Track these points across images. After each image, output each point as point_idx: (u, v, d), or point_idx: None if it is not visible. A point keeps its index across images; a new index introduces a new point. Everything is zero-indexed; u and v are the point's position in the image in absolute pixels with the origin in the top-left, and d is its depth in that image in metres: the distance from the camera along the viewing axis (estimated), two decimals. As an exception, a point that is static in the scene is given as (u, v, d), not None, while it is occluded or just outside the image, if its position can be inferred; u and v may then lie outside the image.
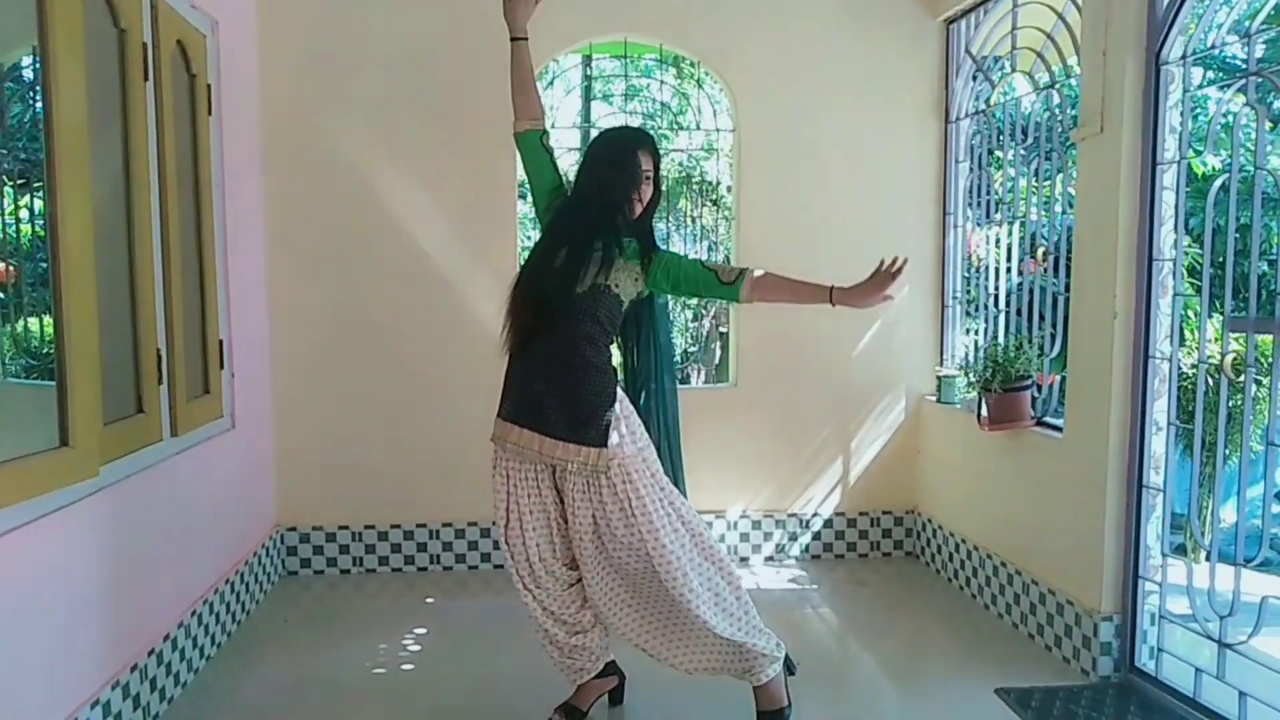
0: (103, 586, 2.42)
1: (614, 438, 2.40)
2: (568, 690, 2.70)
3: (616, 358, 2.59)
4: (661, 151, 2.59)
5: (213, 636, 3.13)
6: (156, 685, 2.67)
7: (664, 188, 2.64)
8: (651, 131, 2.79)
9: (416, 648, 3.24)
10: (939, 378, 4.04)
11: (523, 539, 2.51)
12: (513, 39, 2.60)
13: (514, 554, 2.55)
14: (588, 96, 10.18)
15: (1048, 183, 3.49)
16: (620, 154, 2.47)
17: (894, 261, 2.41)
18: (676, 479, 2.63)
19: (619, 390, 2.48)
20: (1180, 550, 2.87)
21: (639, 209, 2.49)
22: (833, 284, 2.41)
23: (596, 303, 2.40)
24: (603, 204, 2.45)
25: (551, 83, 4.95)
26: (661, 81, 5.20)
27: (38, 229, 2.84)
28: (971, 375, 3.66)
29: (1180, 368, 2.83)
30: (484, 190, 3.96)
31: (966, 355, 4.02)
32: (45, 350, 2.68)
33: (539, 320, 2.40)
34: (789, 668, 2.66)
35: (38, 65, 2.23)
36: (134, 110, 2.67)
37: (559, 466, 2.43)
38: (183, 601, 2.92)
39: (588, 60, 4.92)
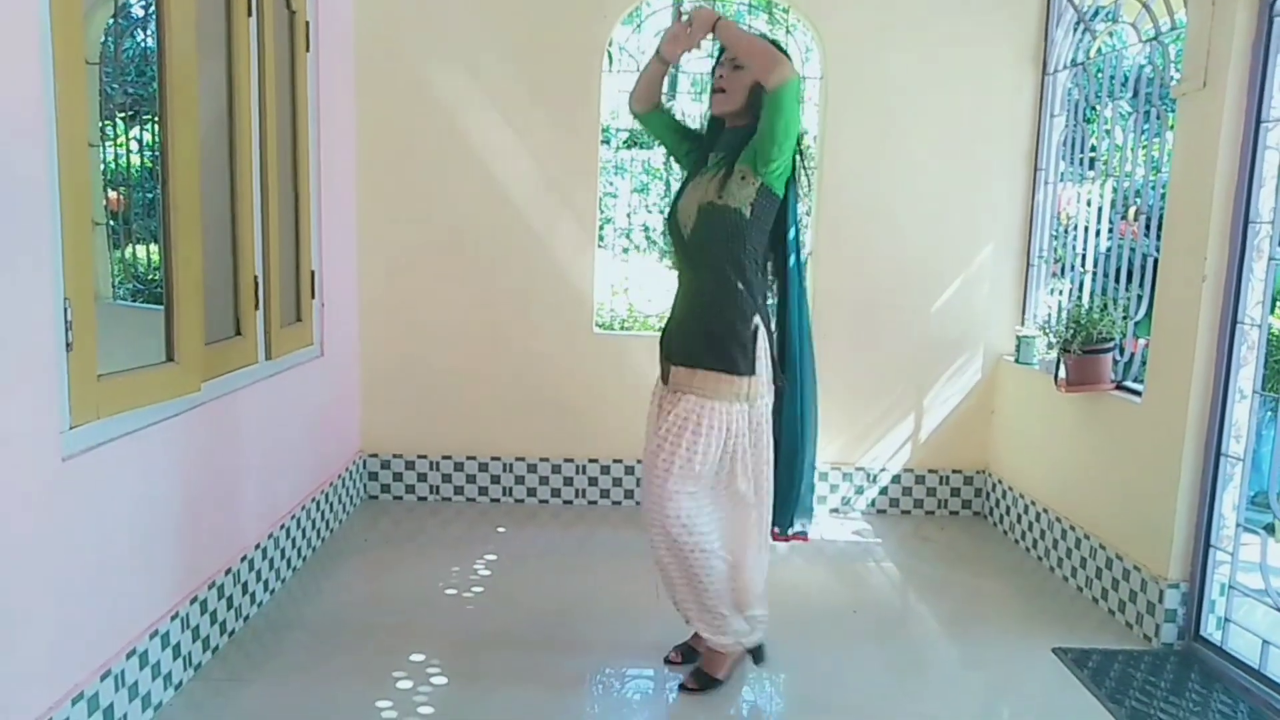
0: (200, 494, 2.61)
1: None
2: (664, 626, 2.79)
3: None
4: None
5: (299, 550, 3.33)
6: (248, 589, 2.88)
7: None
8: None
9: (486, 572, 3.40)
10: (1019, 337, 3.97)
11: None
12: (658, 57, 2.55)
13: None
14: (677, 41, 10.05)
15: (1154, 140, 3.35)
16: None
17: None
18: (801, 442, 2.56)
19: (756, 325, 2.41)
20: (1270, 530, 2.79)
21: (713, 101, 2.46)
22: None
23: (711, 223, 2.40)
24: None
25: (640, 26, 4.94)
26: (750, 27, 5.12)
27: (145, 159, 3.01)
28: (1052, 336, 3.59)
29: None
30: (567, 134, 4.01)
31: (1049, 316, 3.93)
32: (151, 276, 2.86)
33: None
34: (756, 656, 2.65)
35: (148, 1, 2.35)
36: (238, 46, 2.78)
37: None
38: (273, 515, 3.12)
39: (679, 2, 4.88)
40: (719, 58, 2.48)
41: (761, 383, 2.41)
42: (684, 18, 2.46)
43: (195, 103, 2.44)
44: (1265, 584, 2.63)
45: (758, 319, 2.40)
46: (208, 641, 2.61)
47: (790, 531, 2.61)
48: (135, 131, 3.19)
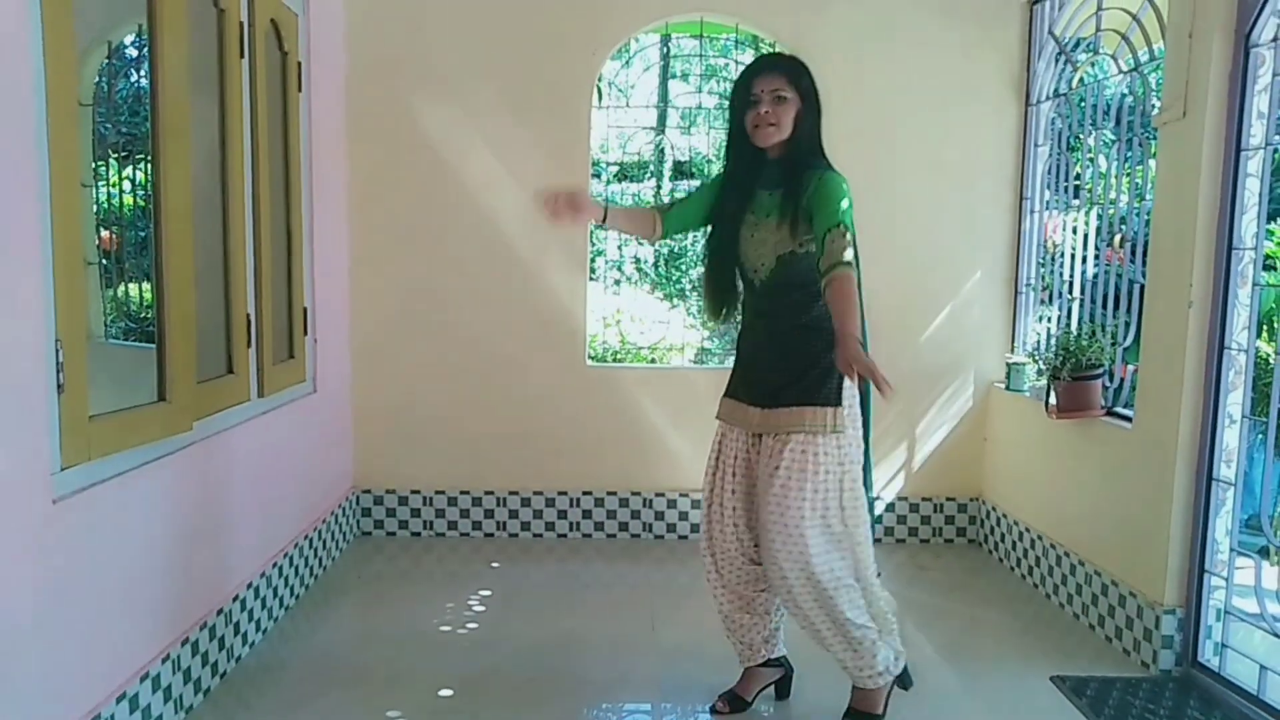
0: (193, 533, 2.59)
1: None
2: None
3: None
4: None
5: (292, 588, 3.30)
6: (240, 629, 2.85)
7: (815, 101, 2.42)
8: (790, 57, 2.56)
9: (481, 608, 3.37)
10: (1008, 364, 3.99)
11: (722, 503, 2.53)
12: (598, 224, 2.53)
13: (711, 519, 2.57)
14: (665, 75, 10.19)
15: (1137, 168, 3.40)
16: (735, 88, 2.43)
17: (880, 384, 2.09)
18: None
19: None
20: (1263, 553, 2.80)
21: (758, 135, 2.37)
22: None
23: (793, 268, 2.39)
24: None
25: (629, 61, 5.00)
26: (738, 62, 5.19)
27: (138, 199, 3.02)
28: (1041, 363, 3.62)
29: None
30: (558, 168, 4.04)
31: (1038, 343, 3.96)
32: (143, 314, 2.87)
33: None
34: (903, 682, 2.61)
35: (142, 42, 2.38)
36: (230, 86, 2.81)
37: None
38: (265, 553, 3.10)
39: (666, 39, 4.95)
40: (752, 87, 2.38)
41: (844, 413, 2.40)
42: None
43: (187, 142, 2.46)
44: (1261, 608, 2.63)
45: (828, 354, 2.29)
46: (199, 684, 2.58)
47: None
48: (129, 171, 3.22)
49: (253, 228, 2.99)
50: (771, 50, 3.97)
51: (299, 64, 3.38)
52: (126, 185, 3.21)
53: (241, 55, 2.89)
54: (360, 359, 4.11)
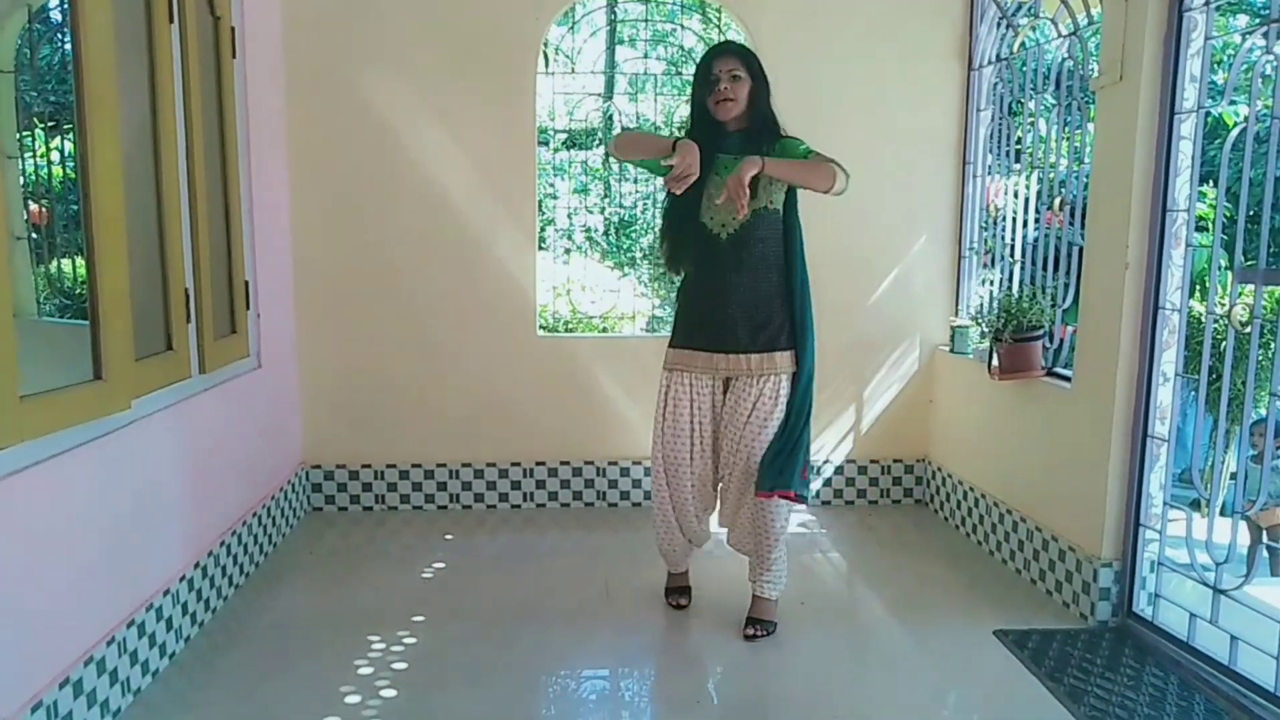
0: (134, 514, 2.54)
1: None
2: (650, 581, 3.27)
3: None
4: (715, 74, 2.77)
5: (241, 566, 3.26)
6: (188, 609, 2.81)
7: (765, 81, 2.80)
8: (735, 45, 2.96)
9: (435, 581, 3.37)
10: (953, 328, 4.06)
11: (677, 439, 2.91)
12: (662, 172, 2.74)
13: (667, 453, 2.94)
14: (613, 40, 10.07)
15: (1076, 132, 3.45)
16: (696, 73, 2.82)
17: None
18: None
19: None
20: (1195, 505, 2.90)
21: (719, 109, 2.75)
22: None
23: (756, 225, 2.77)
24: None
25: (575, 26, 4.93)
26: (684, 26, 5.15)
27: (69, 171, 2.92)
28: (984, 325, 3.68)
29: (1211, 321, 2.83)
30: (504, 136, 3.99)
31: (981, 305, 4.03)
32: (78, 290, 2.78)
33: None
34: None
35: (65, 7, 2.28)
36: (160, 53, 2.71)
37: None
38: (212, 532, 3.05)
39: (613, 4, 4.88)
40: (711, 69, 2.76)
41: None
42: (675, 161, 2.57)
43: (115, 111, 2.37)
44: (1191, 559, 2.73)
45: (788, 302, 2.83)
46: (147, 665, 2.54)
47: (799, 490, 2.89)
48: (57, 142, 3.10)
49: (188, 199, 2.90)
50: (717, 14, 3.95)
51: (232, 29, 3.27)
52: (56, 157, 3.09)
53: (171, 20, 2.78)
54: (306, 333, 4.04)
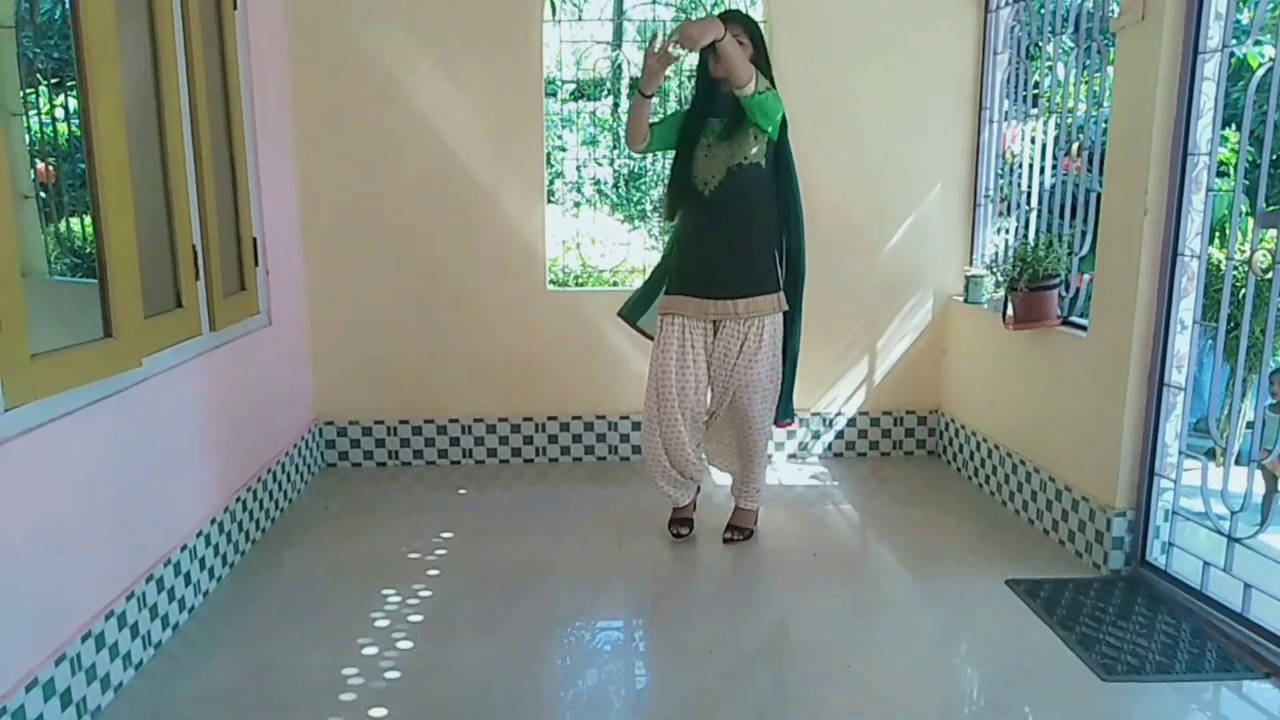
0: (149, 472, 2.56)
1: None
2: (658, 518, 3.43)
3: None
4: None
5: (257, 522, 3.30)
6: (206, 564, 2.85)
7: (764, 50, 3.02)
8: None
9: (449, 534, 3.39)
10: (967, 277, 4.02)
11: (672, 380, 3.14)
12: (643, 95, 3.03)
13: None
14: (621, -12, 9.88)
15: (1095, 76, 3.37)
16: None
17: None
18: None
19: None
20: (1210, 454, 2.88)
21: (717, 67, 2.92)
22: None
23: (741, 178, 3.01)
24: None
25: (580, -26, 4.84)
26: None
27: (74, 128, 2.89)
28: (999, 274, 3.64)
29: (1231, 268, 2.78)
30: (511, 87, 3.93)
31: (996, 254, 3.98)
32: (87, 249, 2.77)
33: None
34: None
35: (62, -41, 2.24)
36: (160, 5, 2.67)
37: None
38: (227, 488, 3.08)
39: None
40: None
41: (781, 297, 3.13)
42: (670, 46, 2.83)
43: (116, 66, 2.34)
44: (1206, 508, 2.72)
45: (773, 248, 3.11)
46: (166, 619, 2.58)
47: (785, 420, 3.32)
48: (61, 99, 3.06)
49: (193, 155, 2.87)
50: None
51: (232, -20, 3.22)
52: (60, 114, 3.06)
53: (169, -29, 2.73)
54: (316, 289, 4.03)
